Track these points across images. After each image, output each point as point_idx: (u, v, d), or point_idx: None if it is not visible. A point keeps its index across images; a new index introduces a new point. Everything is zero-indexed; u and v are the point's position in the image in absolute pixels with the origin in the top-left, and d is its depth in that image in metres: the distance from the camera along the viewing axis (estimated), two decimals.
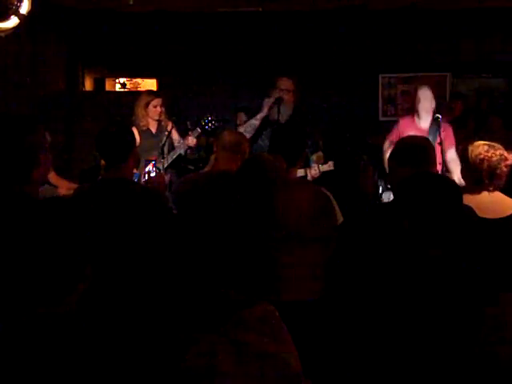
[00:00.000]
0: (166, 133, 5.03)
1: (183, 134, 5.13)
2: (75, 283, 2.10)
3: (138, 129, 5.03)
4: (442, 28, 7.54)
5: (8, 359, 1.91)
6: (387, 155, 5.21)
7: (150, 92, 5.40)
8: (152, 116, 5.09)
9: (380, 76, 8.05)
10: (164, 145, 4.89)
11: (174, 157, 4.92)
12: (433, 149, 2.95)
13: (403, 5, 7.19)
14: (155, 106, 5.06)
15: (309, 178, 4.29)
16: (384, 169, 5.08)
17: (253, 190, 2.80)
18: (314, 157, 4.48)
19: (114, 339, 2.43)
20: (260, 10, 7.26)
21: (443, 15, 7.38)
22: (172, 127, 5.11)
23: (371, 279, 2.35)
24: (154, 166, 4.80)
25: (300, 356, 1.76)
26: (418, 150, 2.85)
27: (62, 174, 4.09)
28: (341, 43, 7.65)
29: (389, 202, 3.82)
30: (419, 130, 5.05)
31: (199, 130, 4.89)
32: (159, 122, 5.13)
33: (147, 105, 5.07)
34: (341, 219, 3.04)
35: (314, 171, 4.36)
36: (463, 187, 2.96)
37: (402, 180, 2.64)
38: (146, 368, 1.61)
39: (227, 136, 3.65)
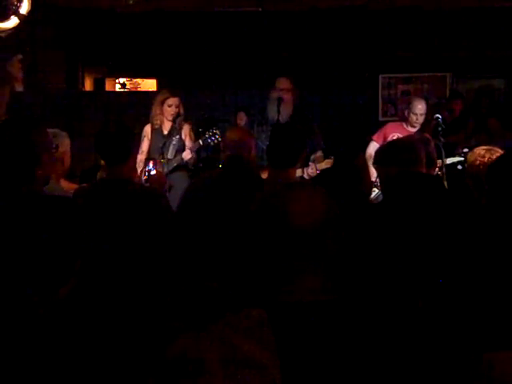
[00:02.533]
0: (178, 136, 4.84)
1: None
2: (65, 277, 2.12)
3: (151, 126, 4.93)
4: (442, 28, 7.53)
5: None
6: (371, 160, 5.37)
7: (168, 90, 5.04)
8: (166, 115, 4.88)
9: (380, 76, 8.05)
10: (167, 146, 4.77)
11: (175, 164, 4.77)
12: (421, 148, 2.94)
13: (403, 5, 7.19)
14: (170, 106, 4.85)
15: (305, 176, 4.29)
16: None
17: (246, 190, 2.79)
18: (313, 156, 4.48)
19: (104, 332, 2.44)
20: (260, 10, 7.26)
21: (443, 15, 7.38)
22: (189, 131, 4.93)
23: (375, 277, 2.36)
24: (155, 164, 4.77)
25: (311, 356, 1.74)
26: (405, 149, 2.85)
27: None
28: (341, 43, 7.65)
29: (380, 203, 3.83)
30: (406, 131, 5.32)
31: (200, 143, 4.74)
32: (174, 122, 4.91)
33: (163, 103, 4.87)
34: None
35: (311, 170, 4.35)
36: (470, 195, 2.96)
37: (389, 179, 2.66)
38: (130, 355, 1.60)
39: (230, 135, 3.63)
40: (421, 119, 5.35)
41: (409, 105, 5.51)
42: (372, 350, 2.38)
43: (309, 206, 2.68)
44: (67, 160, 3.50)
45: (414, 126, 5.37)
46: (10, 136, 2.21)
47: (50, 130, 3.45)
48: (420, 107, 5.35)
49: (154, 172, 4.66)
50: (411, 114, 5.36)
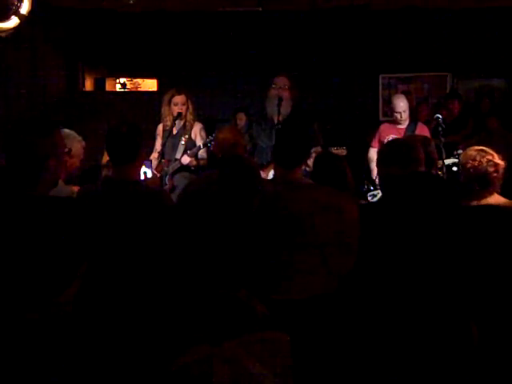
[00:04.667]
0: (186, 136, 4.75)
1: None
2: (70, 280, 2.11)
3: (163, 125, 4.87)
4: (442, 28, 7.53)
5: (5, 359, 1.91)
6: (372, 164, 5.48)
7: (174, 88, 4.92)
8: (173, 114, 4.76)
9: (380, 76, 8.05)
10: (176, 147, 4.71)
11: (177, 167, 4.70)
12: (420, 148, 2.95)
13: (403, 5, 7.19)
14: (176, 104, 4.75)
15: (307, 168, 4.29)
16: (369, 172, 5.36)
17: (247, 192, 2.79)
18: (313, 150, 4.48)
19: (111, 337, 2.43)
20: (260, 9, 7.26)
21: (443, 15, 7.38)
22: (200, 130, 4.84)
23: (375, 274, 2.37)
24: (150, 165, 4.74)
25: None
26: (406, 149, 2.86)
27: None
28: (341, 43, 7.65)
29: (379, 201, 3.84)
30: (397, 130, 5.44)
31: (201, 147, 4.66)
32: (184, 122, 4.82)
33: (169, 102, 4.78)
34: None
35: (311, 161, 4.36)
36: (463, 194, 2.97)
37: (391, 179, 2.67)
38: (140, 362, 1.58)
39: (221, 135, 3.61)
40: (405, 116, 5.45)
41: (390, 104, 5.67)
42: (370, 346, 2.38)
43: (310, 207, 2.69)
44: (74, 163, 3.45)
45: (401, 123, 5.45)
46: (16, 140, 2.19)
47: (66, 131, 3.44)
48: (402, 105, 5.44)
49: (149, 174, 4.66)
50: (394, 113, 5.49)
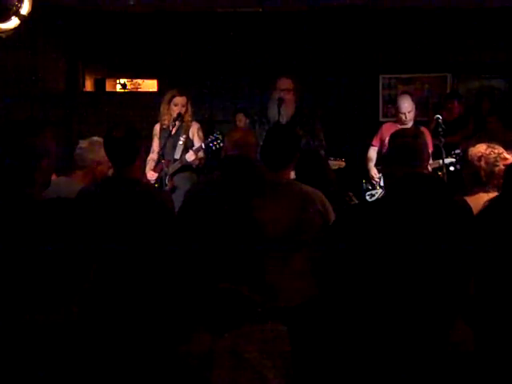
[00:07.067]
0: (184, 136, 4.81)
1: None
2: (79, 284, 2.11)
3: (160, 125, 4.92)
4: (441, 28, 7.54)
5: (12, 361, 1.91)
6: (371, 163, 5.48)
7: (176, 89, 4.99)
8: (172, 114, 4.83)
9: (380, 76, 8.05)
10: (174, 146, 4.74)
11: (180, 165, 4.74)
12: (425, 147, 2.95)
13: (404, 5, 7.20)
14: (176, 105, 4.83)
15: None
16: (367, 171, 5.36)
17: (243, 194, 2.78)
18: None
19: (118, 334, 2.44)
20: (260, 10, 7.26)
21: (443, 15, 7.39)
22: (197, 130, 4.90)
23: (363, 277, 2.36)
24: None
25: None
26: (410, 149, 2.86)
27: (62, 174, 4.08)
28: (341, 43, 7.65)
29: (378, 200, 3.84)
30: None
31: (203, 146, 4.71)
32: (181, 122, 4.87)
33: (170, 102, 4.86)
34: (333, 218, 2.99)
35: None
36: (463, 189, 2.98)
37: (394, 180, 2.67)
38: (145, 351, 1.58)
39: (237, 134, 3.61)
40: (409, 116, 5.42)
41: (395, 105, 5.65)
42: (368, 349, 2.38)
43: (278, 213, 2.69)
44: (102, 170, 3.40)
45: (406, 124, 5.41)
46: (9, 140, 2.19)
47: (94, 139, 3.43)
48: (406, 105, 5.42)
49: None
50: (399, 114, 5.46)
